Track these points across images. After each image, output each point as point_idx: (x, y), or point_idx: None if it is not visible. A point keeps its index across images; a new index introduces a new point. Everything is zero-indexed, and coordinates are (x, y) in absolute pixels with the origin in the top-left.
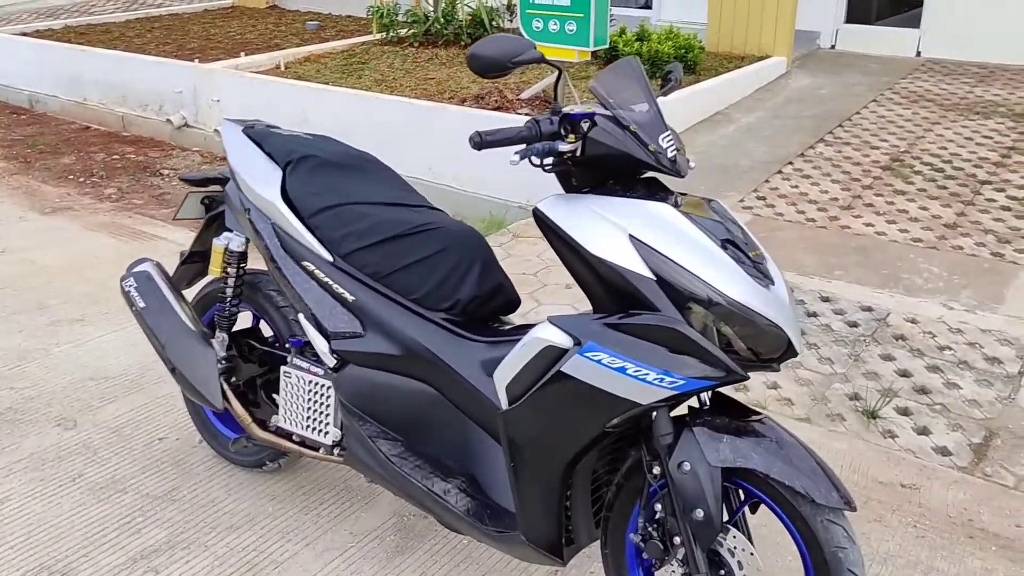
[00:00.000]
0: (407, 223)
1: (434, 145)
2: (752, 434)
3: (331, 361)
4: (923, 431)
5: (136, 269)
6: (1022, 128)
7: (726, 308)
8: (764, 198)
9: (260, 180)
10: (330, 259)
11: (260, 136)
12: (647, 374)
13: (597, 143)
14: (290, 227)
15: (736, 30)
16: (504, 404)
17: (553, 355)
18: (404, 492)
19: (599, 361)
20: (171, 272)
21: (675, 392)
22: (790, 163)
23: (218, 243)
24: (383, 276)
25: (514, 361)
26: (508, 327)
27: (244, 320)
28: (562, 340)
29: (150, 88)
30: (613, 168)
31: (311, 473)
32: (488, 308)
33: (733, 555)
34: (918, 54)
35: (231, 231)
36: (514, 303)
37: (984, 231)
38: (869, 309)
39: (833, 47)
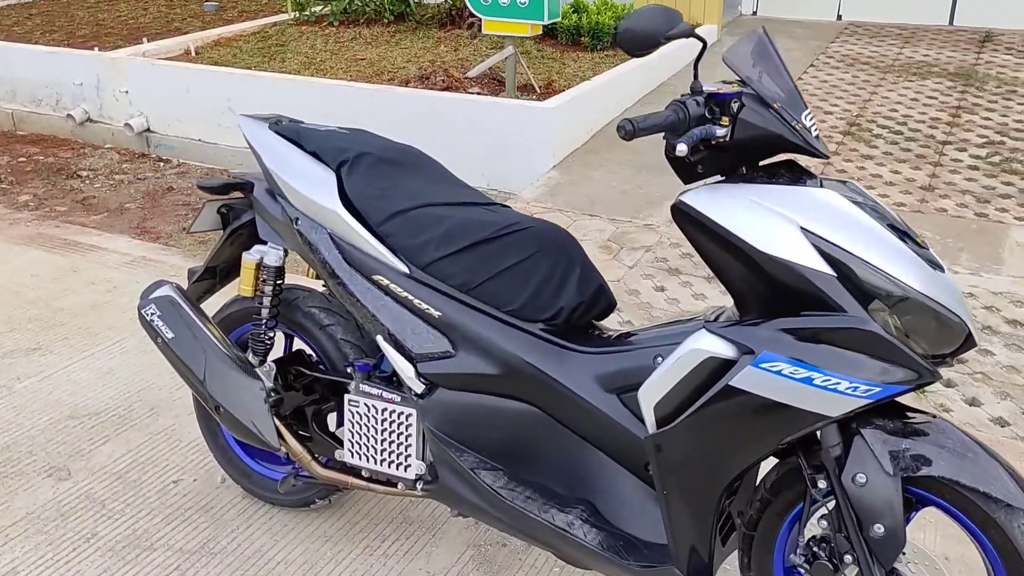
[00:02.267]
0: (491, 224)
1: (382, 130)
2: (928, 437)
3: (419, 386)
4: (973, 402)
5: (155, 294)
6: (961, 87)
7: (916, 302)
8: None
9: (310, 184)
10: (406, 271)
11: (294, 133)
12: (838, 383)
13: (749, 125)
14: (355, 237)
15: (665, 0)
16: (652, 427)
17: (714, 367)
18: (515, 527)
19: (778, 372)
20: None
21: (869, 401)
22: None
23: (249, 258)
24: (473, 287)
25: (665, 377)
26: (614, 334)
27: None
28: (726, 350)
29: (43, 81)
30: (754, 152)
31: (361, 506)
32: (591, 315)
33: (911, 570)
34: (839, 17)
35: (264, 243)
36: (612, 306)
37: (961, 192)
38: None
39: (755, 13)
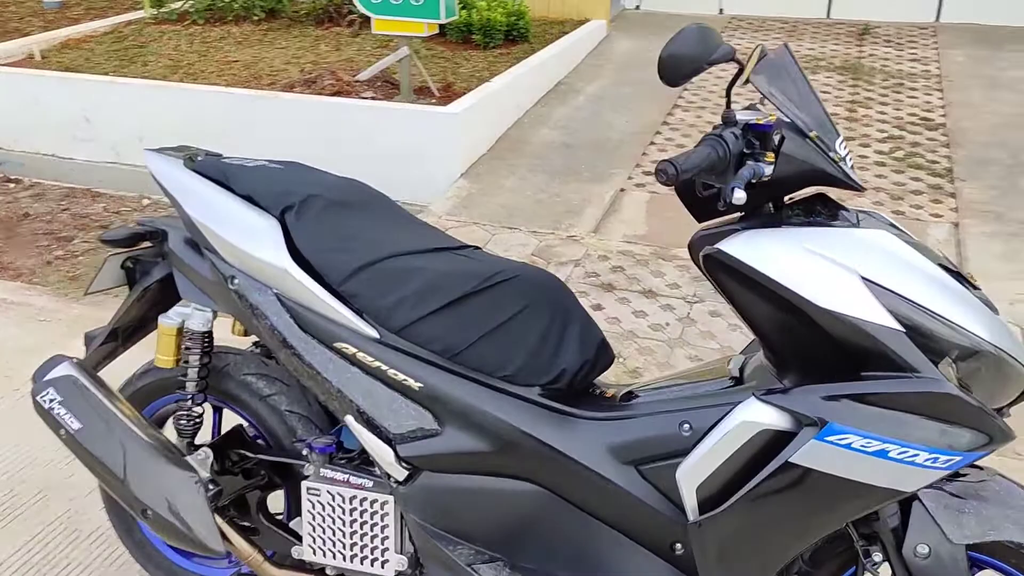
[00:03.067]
0: (473, 275)
1: (267, 141)
2: (988, 497)
3: (400, 472)
4: None
5: (52, 375)
6: (851, 80)
7: (985, 354)
8: (651, 173)
9: (249, 236)
10: (377, 335)
11: (216, 171)
12: (916, 455)
13: (791, 159)
14: (311, 298)
15: None
16: (694, 511)
17: (767, 441)
18: None
19: (847, 445)
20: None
21: (948, 471)
22: (658, 132)
23: (168, 323)
24: (459, 351)
25: (711, 455)
26: (618, 393)
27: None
28: (782, 422)
29: None
30: (788, 187)
31: None
32: (595, 375)
33: None
34: (720, 11)
35: (185, 304)
36: (612, 362)
37: (875, 189)
38: None
39: (638, 8)
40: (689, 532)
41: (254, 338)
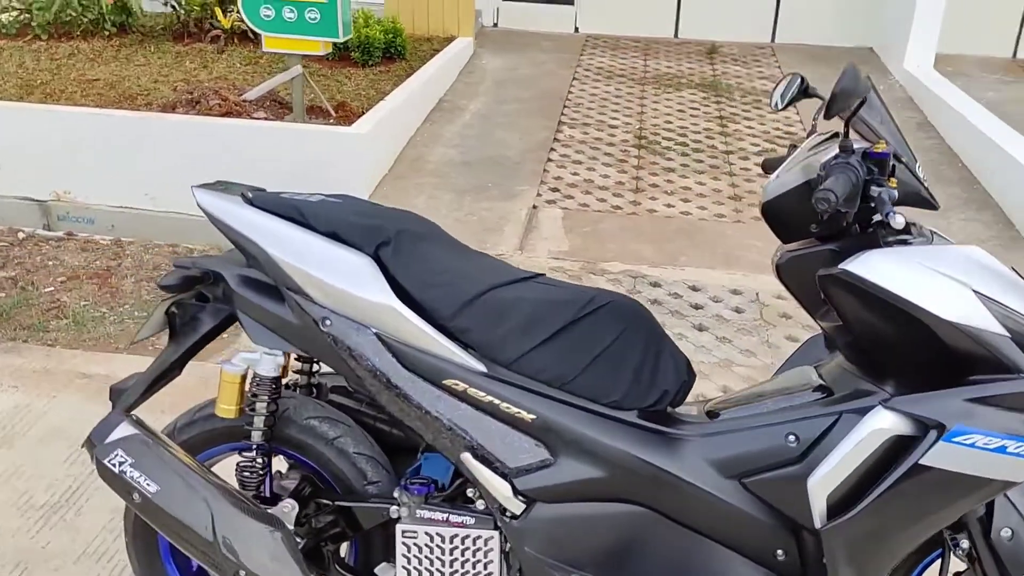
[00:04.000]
0: (569, 304)
1: (153, 167)
2: None
3: (518, 506)
4: None
5: (116, 435)
6: (714, 97)
7: None
8: (557, 189)
9: (345, 275)
10: (484, 370)
11: (286, 208)
12: None
13: (906, 184)
14: (418, 336)
15: (417, 11)
16: (822, 517)
17: (895, 446)
18: None
19: (972, 444)
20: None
21: None
22: (552, 149)
23: (232, 370)
24: (568, 381)
25: (843, 464)
26: (705, 411)
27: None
28: (908, 428)
29: None
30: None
31: None
32: (687, 394)
33: None
34: (576, 30)
35: (253, 351)
36: (694, 381)
37: None
38: (738, 292)
39: (496, 25)
40: (822, 537)
41: (287, 381)
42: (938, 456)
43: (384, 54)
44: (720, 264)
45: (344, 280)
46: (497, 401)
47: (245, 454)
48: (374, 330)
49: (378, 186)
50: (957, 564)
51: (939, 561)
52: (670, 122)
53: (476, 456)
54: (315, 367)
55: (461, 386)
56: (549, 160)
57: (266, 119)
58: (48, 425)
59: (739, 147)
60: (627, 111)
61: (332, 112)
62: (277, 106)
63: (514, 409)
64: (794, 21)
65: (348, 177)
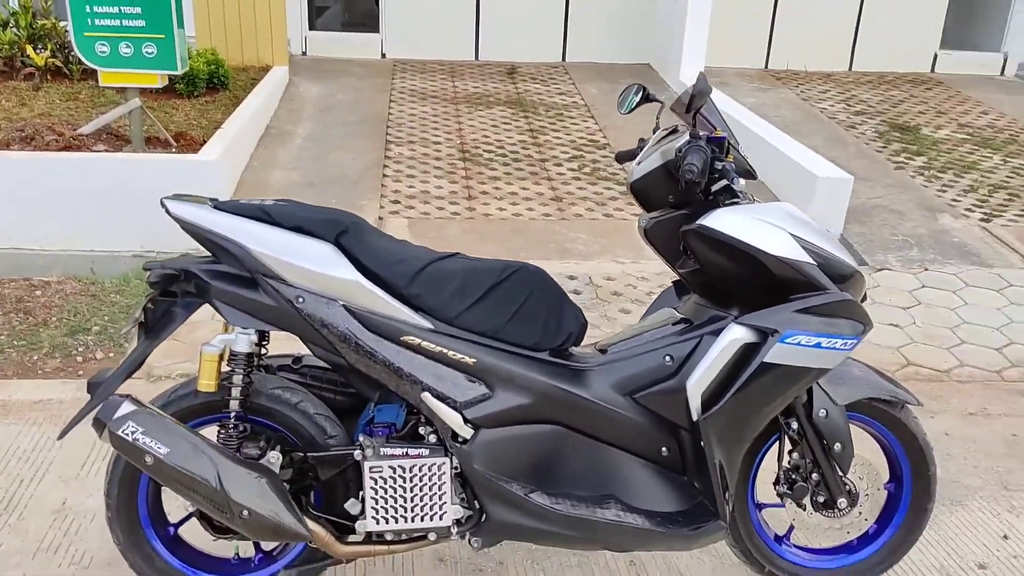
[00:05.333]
0: (490, 271)
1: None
2: (851, 374)
3: (467, 432)
4: None
5: (123, 411)
6: (521, 112)
7: (859, 277)
8: (399, 202)
9: (316, 260)
10: (431, 327)
11: (253, 211)
12: (836, 341)
13: (739, 161)
14: (380, 303)
15: (231, 42)
16: (698, 412)
17: (745, 352)
18: (574, 535)
19: (798, 343)
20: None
21: (850, 352)
22: (386, 166)
23: (211, 350)
24: (497, 331)
25: (710, 368)
26: (599, 349)
27: None
28: (754, 336)
29: None
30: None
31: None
32: (583, 337)
33: (855, 473)
34: (383, 56)
35: (230, 332)
36: (587, 325)
37: (582, 199)
38: (574, 277)
39: (305, 53)
40: (700, 426)
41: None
42: (776, 354)
43: (208, 85)
44: (555, 255)
45: (314, 263)
46: (444, 350)
47: (225, 422)
48: (341, 302)
49: None
50: (789, 445)
51: (777, 444)
52: (487, 136)
53: (433, 395)
54: (263, 351)
55: (416, 341)
56: (385, 176)
57: (107, 151)
58: None
59: (552, 155)
60: (446, 128)
61: (173, 142)
62: (114, 139)
63: (458, 356)
64: (581, 42)
65: None
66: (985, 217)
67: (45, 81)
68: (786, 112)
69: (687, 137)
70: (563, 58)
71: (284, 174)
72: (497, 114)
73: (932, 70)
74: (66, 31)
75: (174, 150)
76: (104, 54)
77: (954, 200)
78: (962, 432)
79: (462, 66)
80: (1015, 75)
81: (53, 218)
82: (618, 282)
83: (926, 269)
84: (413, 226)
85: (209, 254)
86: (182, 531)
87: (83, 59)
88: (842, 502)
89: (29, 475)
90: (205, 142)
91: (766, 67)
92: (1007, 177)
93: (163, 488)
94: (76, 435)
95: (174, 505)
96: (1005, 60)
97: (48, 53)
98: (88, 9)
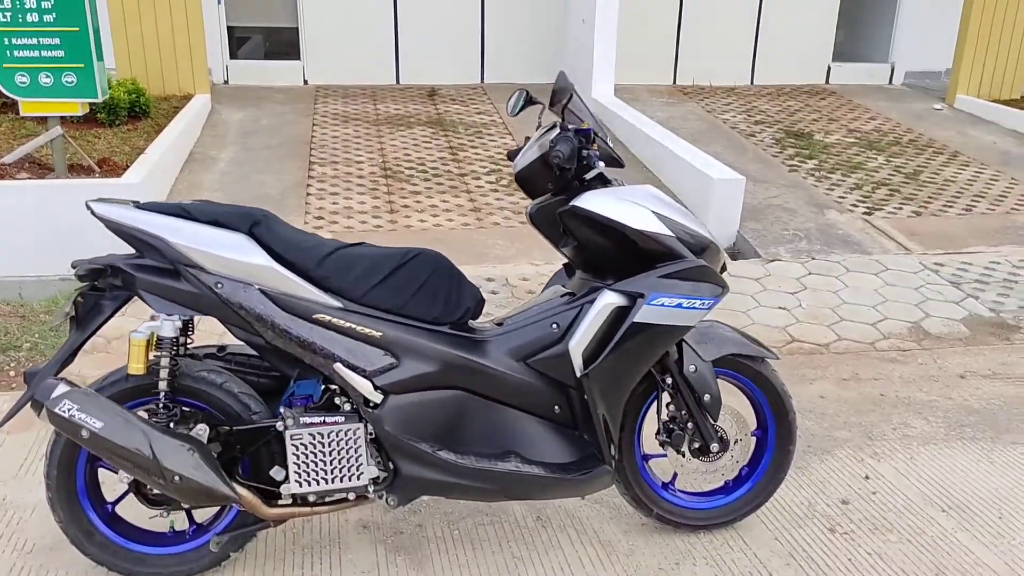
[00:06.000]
0: (393, 256)
1: None
2: (715, 333)
3: (378, 397)
4: None
5: (59, 391)
6: (441, 132)
7: (715, 247)
8: (322, 217)
9: (232, 249)
10: (340, 305)
11: (172, 208)
12: (695, 302)
13: (604, 150)
14: (292, 286)
15: (151, 71)
16: (580, 368)
17: (618, 314)
18: (479, 486)
19: (662, 304)
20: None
21: (708, 311)
22: (308, 185)
23: (138, 336)
24: (400, 308)
25: (587, 330)
26: (495, 322)
27: None
28: (625, 300)
29: None
30: (587, 169)
31: (262, 547)
32: (481, 312)
33: (725, 420)
34: (305, 82)
35: (155, 319)
36: (484, 303)
37: (499, 208)
38: (492, 279)
39: (227, 82)
40: (582, 382)
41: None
42: (644, 315)
43: (129, 113)
44: (474, 261)
45: (230, 251)
46: (353, 326)
47: (155, 403)
48: (257, 286)
49: None
50: (667, 399)
51: (656, 401)
52: (408, 154)
53: (345, 366)
54: (189, 339)
55: (326, 318)
56: (308, 194)
57: (30, 179)
58: None
59: (471, 170)
60: (368, 148)
61: (96, 168)
62: (37, 167)
63: (366, 330)
64: (498, 64)
65: None
66: (867, 211)
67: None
68: (692, 124)
69: (558, 130)
70: (481, 80)
71: (208, 195)
72: (418, 133)
73: (827, 81)
74: None
75: (97, 175)
76: (24, 84)
77: (840, 197)
78: (836, 395)
79: (383, 90)
80: (902, 83)
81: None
82: (532, 282)
83: (813, 258)
84: (338, 237)
85: (133, 251)
86: (119, 509)
87: (3, 90)
88: (715, 447)
89: None
90: (128, 167)
91: (674, 83)
92: (889, 175)
93: (99, 470)
94: (13, 440)
95: (110, 486)
96: (893, 69)
97: None
98: (7, 41)
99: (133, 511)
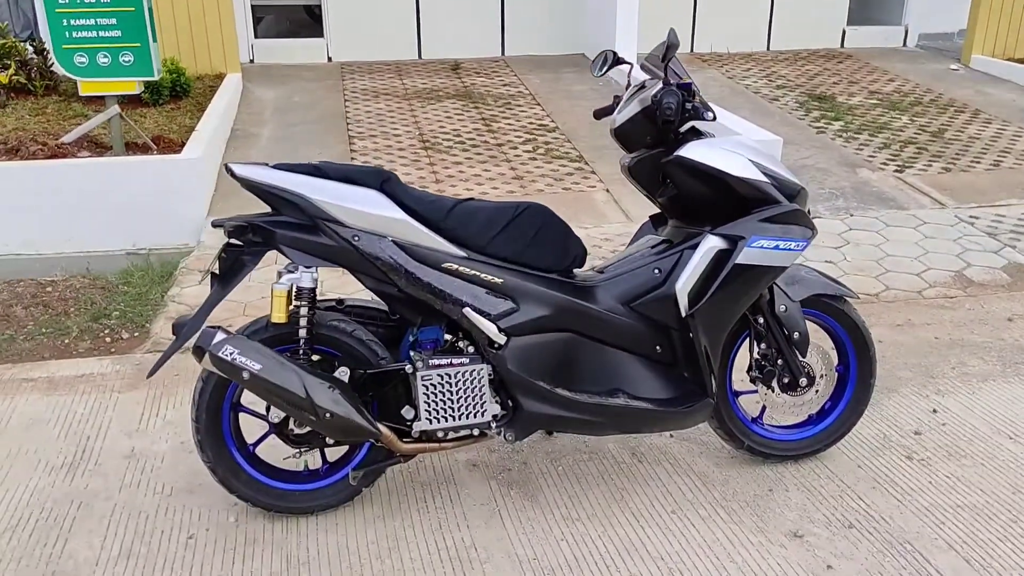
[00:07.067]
0: (506, 209)
1: (18, 209)
2: (802, 276)
3: (502, 339)
4: None
5: (219, 338)
6: (472, 104)
7: (804, 192)
8: None
9: (368, 203)
10: (464, 255)
11: (305, 168)
12: (790, 244)
13: (704, 103)
14: (423, 237)
15: (183, 51)
16: (685, 308)
17: (720, 257)
18: (593, 419)
19: (762, 247)
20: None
21: (802, 252)
22: (352, 158)
23: (280, 287)
24: (518, 256)
25: (692, 272)
26: (598, 269)
27: None
28: (726, 244)
29: None
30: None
31: (385, 487)
32: (585, 261)
33: (812, 356)
34: (329, 59)
35: (294, 271)
36: (587, 252)
37: (540, 176)
38: None
39: (252, 61)
40: (688, 321)
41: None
42: (745, 256)
43: (170, 93)
44: None
45: (367, 206)
46: (478, 273)
47: (296, 349)
48: (391, 238)
49: (212, 203)
50: (757, 341)
51: (747, 341)
52: (443, 127)
53: (473, 310)
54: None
55: (454, 267)
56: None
57: (88, 155)
58: (24, 416)
59: (507, 140)
60: (404, 122)
61: (153, 145)
62: (95, 146)
63: (489, 277)
64: (518, 36)
65: (186, 199)
66: (898, 169)
67: (10, 99)
68: (714, 90)
69: (660, 85)
70: (502, 52)
71: None
72: (449, 106)
73: (842, 45)
74: (27, 49)
75: (155, 152)
76: (83, 65)
77: (870, 156)
78: (892, 339)
79: (407, 65)
80: (916, 45)
81: (47, 223)
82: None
83: (852, 215)
84: None
85: (269, 209)
86: (258, 451)
87: (63, 71)
88: (803, 381)
89: (93, 432)
90: (183, 144)
91: (691, 51)
92: (914, 134)
93: (240, 414)
94: (125, 398)
95: (250, 430)
96: (906, 32)
97: (12, 71)
98: (66, 23)
99: (270, 453)
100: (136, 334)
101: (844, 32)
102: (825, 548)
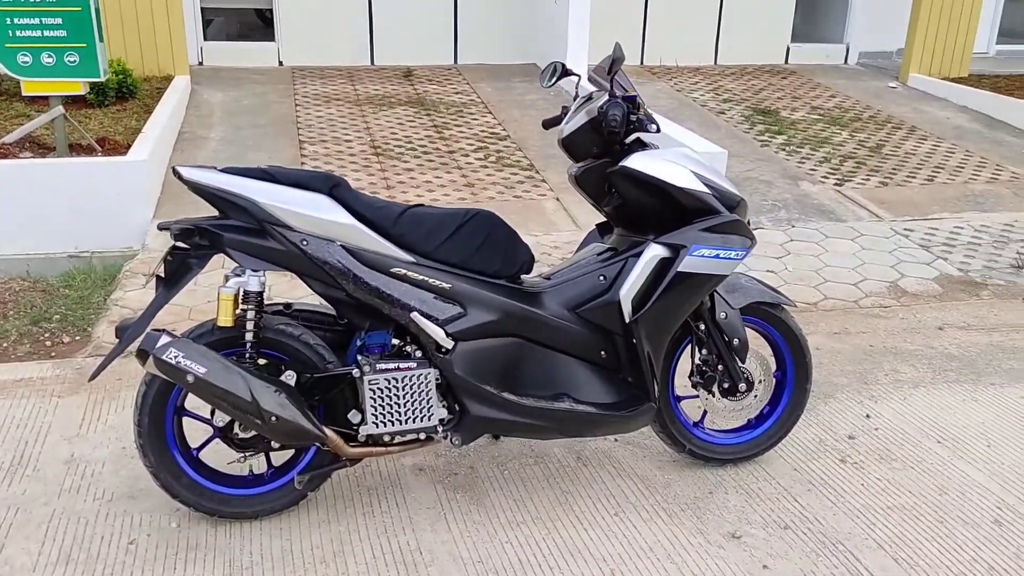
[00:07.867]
0: (456, 216)
1: None
2: (741, 284)
3: (449, 344)
4: None
5: (163, 341)
6: (424, 111)
7: (744, 203)
8: None
9: (317, 209)
10: (413, 260)
11: (255, 173)
12: (730, 253)
13: (649, 116)
14: (371, 242)
15: (130, 52)
16: (629, 315)
17: (663, 265)
18: (538, 424)
19: (702, 255)
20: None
21: (742, 261)
22: (303, 163)
23: (227, 291)
24: (465, 262)
25: (636, 280)
26: (545, 276)
27: None
28: (668, 252)
29: None
30: (629, 134)
31: (331, 490)
32: (532, 267)
33: (750, 362)
34: (280, 63)
35: (241, 275)
36: (534, 258)
37: (491, 184)
38: None
39: (201, 63)
40: (632, 327)
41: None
42: (687, 264)
43: (116, 94)
44: None
45: (316, 211)
46: (426, 279)
47: (240, 355)
48: (340, 243)
49: (158, 206)
50: (699, 346)
51: (689, 347)
52: (395, 133)
53: (420, 315)
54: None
55: (402, 271)
56: None
57: (29, 156)
58: None
59: (458, 147)
60: (355, 127)
61: (97, 147)
62: (37, 147)
63: (437, 282)
64: (471, 45)
65: (131, 202)
66: (838, 182)
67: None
68: (663, 102)
69: (606, 97)
70: (455, 60)
71: None
72: (401, 113)
73: (786, 61)
74: None
75: (99, 154)
76: (27, 64)
77: (811, 169)
78: (829, 347)
79: (359, 71)
80: (857, 63)
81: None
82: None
83: (793, 226)
84: None
85: (216, 212)
86: (201, 456)
87: (6, 70)
88: (742, 387)
89: (32, 437)
90: (128, 146)
91: (642, 63)
92: (854, 149)
93: (184, 418)
94: (65, 403)
95: (193, 434)
96: (848, 50)
97: None
98: (9, 21)
99: (213, 458)
100: (78, 338)
101: (788, 49)
102: (761, 548)
